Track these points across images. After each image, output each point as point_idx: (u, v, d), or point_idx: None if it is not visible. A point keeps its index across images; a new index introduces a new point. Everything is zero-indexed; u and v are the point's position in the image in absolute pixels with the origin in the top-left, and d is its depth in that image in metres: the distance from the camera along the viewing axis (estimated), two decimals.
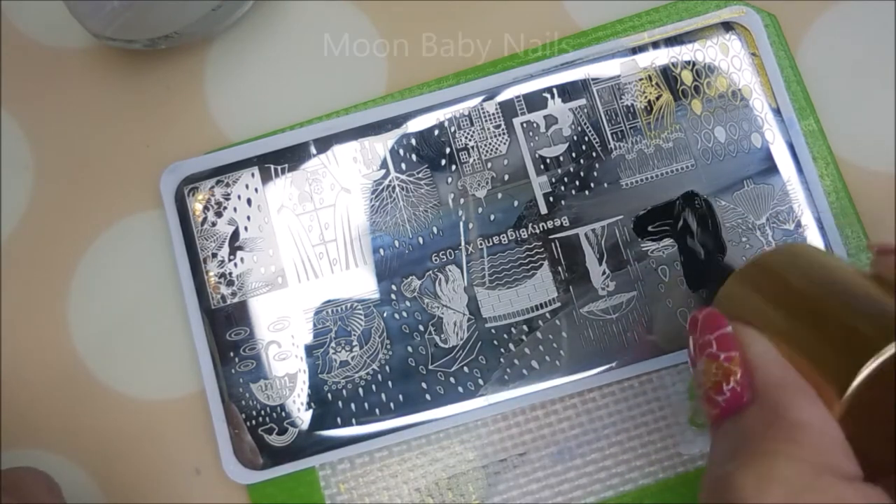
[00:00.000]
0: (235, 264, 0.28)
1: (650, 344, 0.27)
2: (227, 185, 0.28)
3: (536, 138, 0.28)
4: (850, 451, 0.18)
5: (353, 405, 0.27)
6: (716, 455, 0.20)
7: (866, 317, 0.20)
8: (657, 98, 0.28)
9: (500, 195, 0.28)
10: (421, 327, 0.27)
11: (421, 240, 0.28)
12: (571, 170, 0.28)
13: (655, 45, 0.28)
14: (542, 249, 0.28)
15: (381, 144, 0.28)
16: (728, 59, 0.28)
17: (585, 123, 0.28)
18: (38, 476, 0.25)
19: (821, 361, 0.19)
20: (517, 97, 0.28)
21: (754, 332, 0.21)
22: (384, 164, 0.28)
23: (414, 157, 0.28)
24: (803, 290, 0.21)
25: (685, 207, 0.27)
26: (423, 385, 0.27)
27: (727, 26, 0.28)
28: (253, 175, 0.28)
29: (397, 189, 0.28)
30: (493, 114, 0.28)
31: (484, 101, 0.28)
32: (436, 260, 0.28)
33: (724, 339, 0.21)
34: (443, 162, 0.28)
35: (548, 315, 0.27)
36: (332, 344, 0.27)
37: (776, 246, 0.23)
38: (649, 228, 0.28)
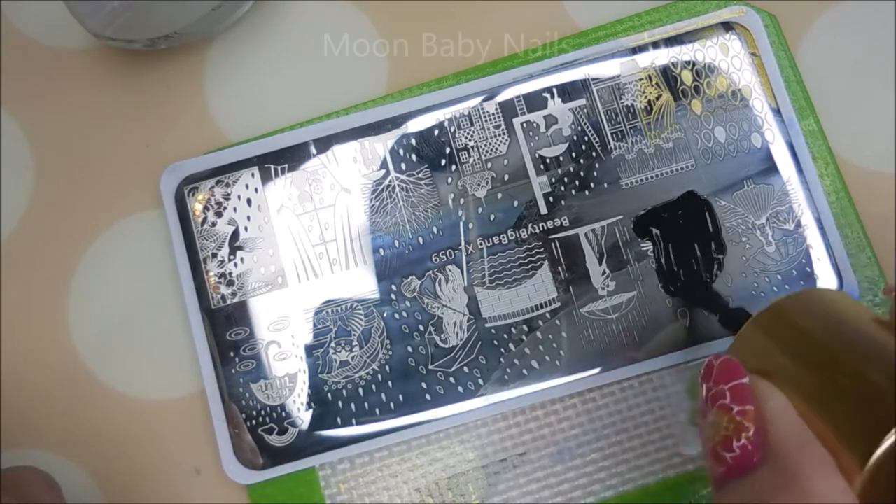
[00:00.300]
0: (235, 264, 0.28)
1: (650, 344, 0.27)
2: (227, 185, 0.28)
3: (536, 138, 0.28)
4: None
5: (353, 405, 0.27)
6: None
7: (889, 376, 0.18)
8: (657, 98, 0.28)
9: (500, 195, 0.28)
10: (421, 327, 0.27)
11: (421, 240, 0.28)
12: (571, 170, 0.28)
13: (655, 45, 0.28)
14: (542, 249, 0.28)
15: (381, 144, 0.28)
16: (728, 59, 0.28)
17: (585, 123, 0.28)
18: (38, 475, 0.25)
19: (840, 424, 0.18)
20: (517, 97, 0.28)
21: (772, 387, 0.19)
22: (384, 164, 0.28)
23: (414, 157, 0.28)
24: (820, 341, 0.20)
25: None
26: (423, 385, 0.27)
27: (727, 26, 0.28)
28: (253, 175, 0.28)
29: (397, 189, 0.28)
30: (493, 114, 0.28)
31: (484, 101, 0.28)
32: (436, 260, 0.28)
33: (739, 390, 0.19)
34: (443, 162, 0.28)
35: (548, 315, 0.27)
36: (332, 344, 0.27)
37: (795, 291, 0.22)
38: (649, 228, 0.28)
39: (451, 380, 0.27)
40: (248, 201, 0.28)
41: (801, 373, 0.19)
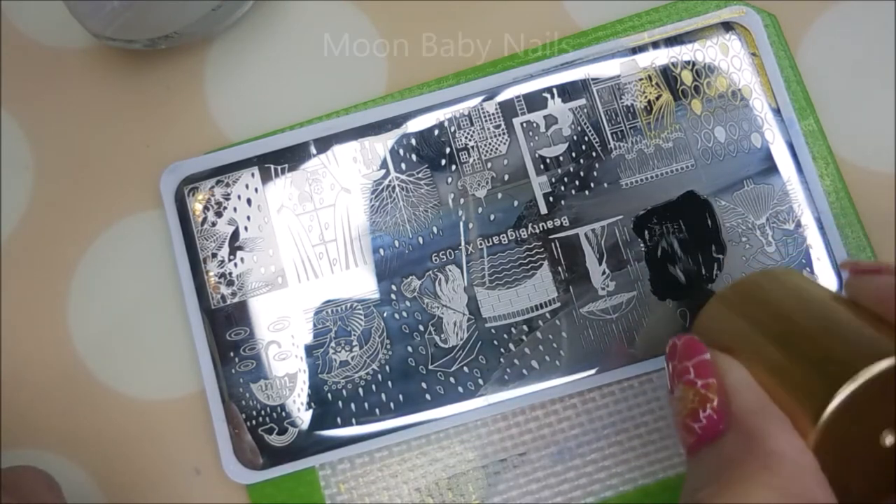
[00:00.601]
0: (235, 264, 0.28)
1: (650, 344, 0.27)
2: (227, 185, 0.28)
3: (536, 138, 0.28)
4: (825, 481, 0.18)
5: (353, 405, 0.27)
6: (690, 482, 0.20)
7: (841, 341, 0.19)
8: (657, 98, 0.28)
9: (500, 195, 0.28)
10: (421, 327, 0.27)
11: (421, 240, 0.28)
12: (571, 170, 0.28)
13: (655, 45, 0.28)
14: (542, 249, 0.28)
15: (381, 144, 0.28)
16: (728, 59, 0.28)
17: (585, 123, 0.28)
18: (38, 475, 0.25)
19: (796, 387, 0.19)
20: (517, 97, 0.28)
21: (732, 360, 0.21)
22: (384, 164, 0.28)
23: (414, 157, 0.28)
24: (780, 313, 0.21)
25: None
26: (423, 385, 0.27)
27: (727, 26, 0.28)
28: (253, 175, 0.28)
29: (397, 189, 0.28)
30: (493, 114, 0.28)
31: (484, 101, 0.28)
32: (436, 260, 0.28)
33: (701, 365, 0.21)
34: (443, 162, 0.28)
35: (548, 315, 0.27)
36: (332, 344, 0.27)
37: (757, 271, 0.23)
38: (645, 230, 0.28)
39: (451, 380, 0.27)
40: (248, 201, 0.28)
41: (762, 344, 0.21)
